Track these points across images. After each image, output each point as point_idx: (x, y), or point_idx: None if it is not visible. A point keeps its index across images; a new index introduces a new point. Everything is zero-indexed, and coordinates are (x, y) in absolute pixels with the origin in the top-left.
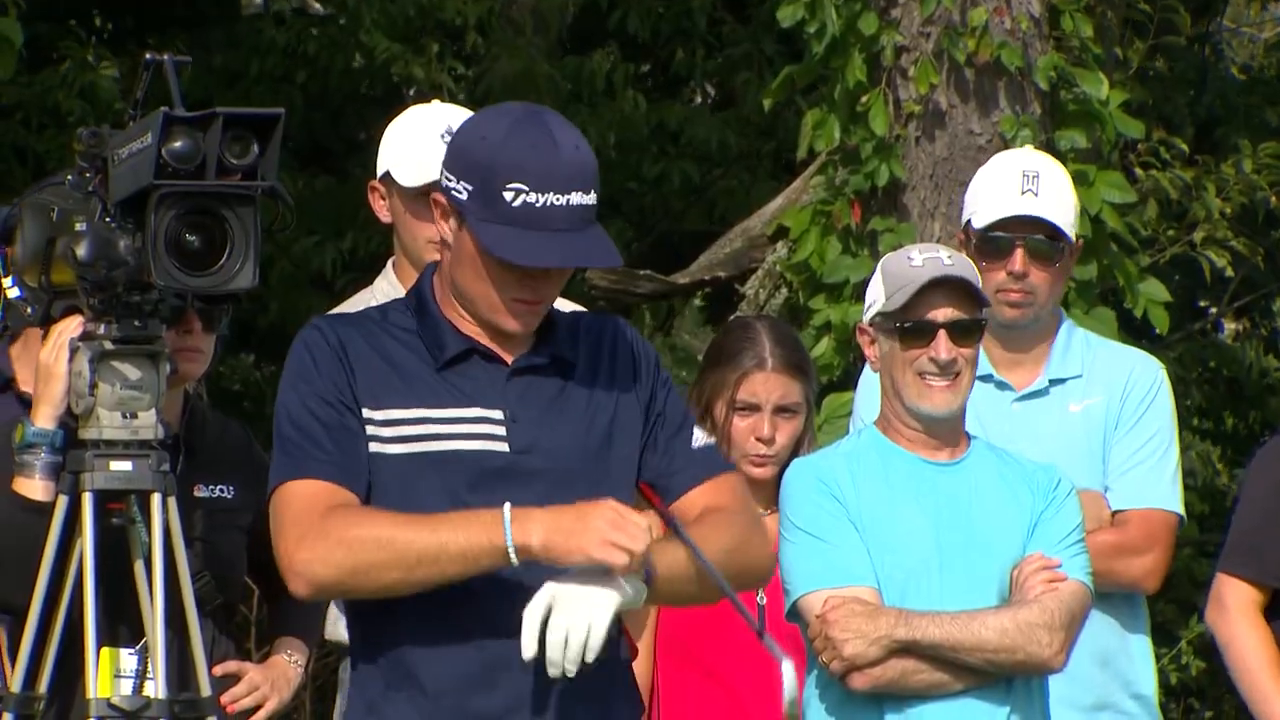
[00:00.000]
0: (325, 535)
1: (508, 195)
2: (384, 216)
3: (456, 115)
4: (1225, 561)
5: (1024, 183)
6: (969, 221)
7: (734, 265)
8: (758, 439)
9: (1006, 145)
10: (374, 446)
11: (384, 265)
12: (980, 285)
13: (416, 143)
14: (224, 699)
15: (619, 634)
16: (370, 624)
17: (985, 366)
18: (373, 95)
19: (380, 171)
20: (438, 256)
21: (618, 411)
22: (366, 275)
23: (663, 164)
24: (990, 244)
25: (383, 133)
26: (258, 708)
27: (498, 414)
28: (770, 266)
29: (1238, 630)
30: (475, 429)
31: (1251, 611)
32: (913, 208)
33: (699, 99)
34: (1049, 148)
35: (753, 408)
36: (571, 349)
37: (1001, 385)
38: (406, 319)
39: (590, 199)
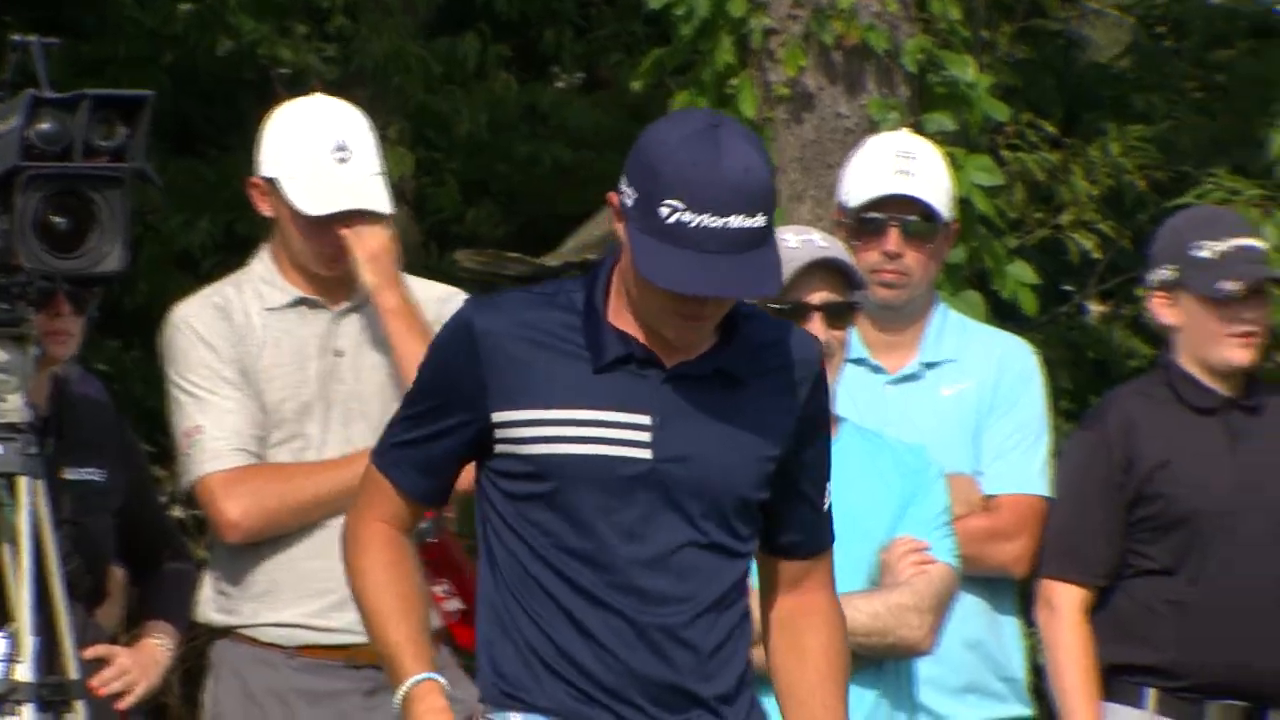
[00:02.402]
0: (358, 545)
1: (663, 211)
2: (265, 211)
3: (346, 127)
4: (1048, 565)
5: (898, 163)
6: (842, 202)
7: (604, 247)
8: None
9: (874, 128)
10: (517, 448)
11: (255, 248)
12: (855, 267)
13: (312, 169)
14: (93, 682)
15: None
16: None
17: (859, 349)
18: (241, 77)
19: (265, 174)
20: (324, 270)
21: (770, 437)
22: (236, 256)
23: (533, 145)
24: (864, 224)
25: (258, 120)
26: (127, 691)
27: (644, 419)
28: None
29: (1062, 635)
30: (619, 434)
31: (1078, 614)
32: (782, 191)
33: (561, 83)
34: (917, 130)
35: None
36: (743, 364)
37: (875, 369)
38: (575, 305)
39: (756, 221)
